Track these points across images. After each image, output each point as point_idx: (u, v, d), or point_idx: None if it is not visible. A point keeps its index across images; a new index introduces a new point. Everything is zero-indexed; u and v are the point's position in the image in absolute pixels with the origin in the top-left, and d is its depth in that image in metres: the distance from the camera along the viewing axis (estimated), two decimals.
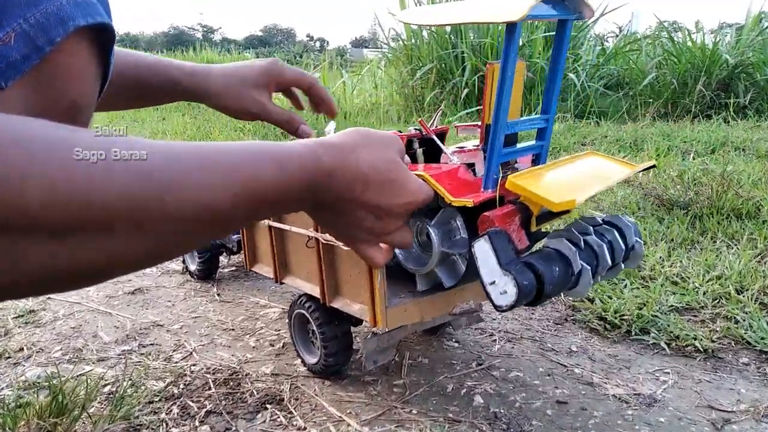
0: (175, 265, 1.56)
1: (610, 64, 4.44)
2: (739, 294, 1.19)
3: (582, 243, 0.68)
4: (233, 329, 1.18)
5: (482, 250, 0.64)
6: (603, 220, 0.76)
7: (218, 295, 1.36)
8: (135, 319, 1.24)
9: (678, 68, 3.88)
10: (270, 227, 0.99)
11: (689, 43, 4.19)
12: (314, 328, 0.94)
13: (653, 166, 0.79)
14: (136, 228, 0.34)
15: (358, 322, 0.93)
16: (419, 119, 0.87)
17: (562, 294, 0.73)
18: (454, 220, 0.77)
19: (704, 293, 1.20)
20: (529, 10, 0.62)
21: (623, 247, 0.73)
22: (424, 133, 0.88)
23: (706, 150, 2.56)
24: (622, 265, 0.75)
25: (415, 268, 0.81)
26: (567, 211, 0.76)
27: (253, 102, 0.74)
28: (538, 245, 0.77)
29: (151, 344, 1.13)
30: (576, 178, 0.73)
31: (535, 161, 0.81)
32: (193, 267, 1.44)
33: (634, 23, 7.29)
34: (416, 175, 0.71)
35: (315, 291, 0.92)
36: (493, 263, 0.63)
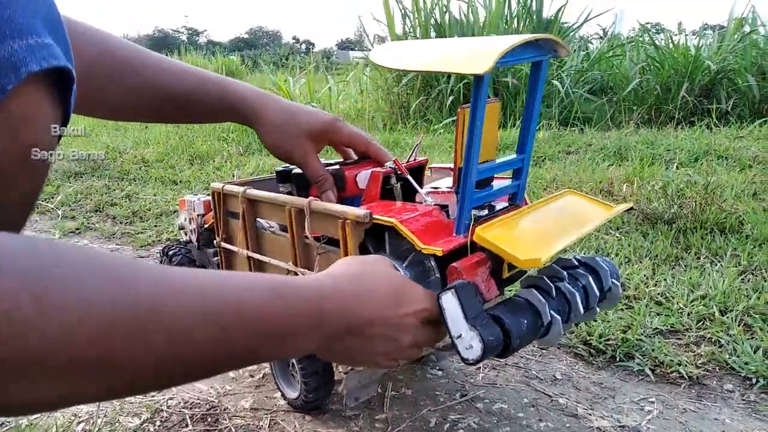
0: None
1: (594, 69, 4.46)
2: (723, 315, 1.18)
3: (554, 291, 0.67)
4: None
5: (449, 302, 0.63)
6: (579, 261, 0.74)
7: None
8: None
9: (661, 74, 3.90)
10: (249, 258, 0.97)
11: (671, 46, 4.22)
12: (294, 361, 0.92)
13: (631, 209, 0.78)
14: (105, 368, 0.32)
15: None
16: (394, 158, 0.86)
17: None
18: (428, 260, 0.76)
19: (688, 314, 1.19)
20: (494, 64, 0.61)
21: (597, 292, 0.72)
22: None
23: (690, 159, 2.57)
24: (598, 309, 0.74)
25: None
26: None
27: (300, 151, 0.78)
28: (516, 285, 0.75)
29: None
30: (548, 227, 0.72)
31: (512, 200, 0.80)
32: None
33: (617, 25, 7.34)
34: (385, 221, 0.70)
35: None
36: (459, 317, 0.62)
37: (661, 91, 3.83)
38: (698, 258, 1.49)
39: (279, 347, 0.41)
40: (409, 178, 0.82)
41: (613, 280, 0.74)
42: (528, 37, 0.67)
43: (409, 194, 0.88)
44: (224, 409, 0.97)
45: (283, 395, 0.98)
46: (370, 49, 5.24)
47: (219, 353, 0.37)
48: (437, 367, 1.08)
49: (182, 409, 0.98)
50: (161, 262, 1.45)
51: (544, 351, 1.13)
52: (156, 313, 0.33)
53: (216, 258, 1.34)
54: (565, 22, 4.79)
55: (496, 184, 0.80)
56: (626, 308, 1.24)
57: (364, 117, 4.23)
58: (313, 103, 4.22)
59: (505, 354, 0.65)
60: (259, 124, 0.76)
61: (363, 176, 0.96)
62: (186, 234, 1.47)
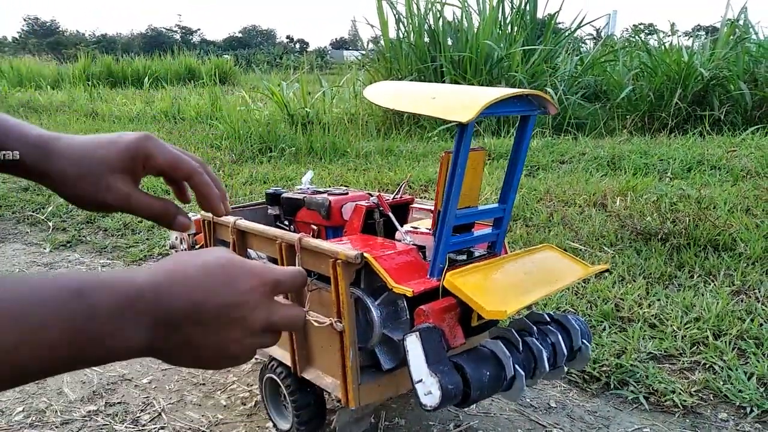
0: None
1: (588, 75, 4.47)
2: (716, 339, 1.18)
3: (520, 345, 0.67)
4: (204, 384, 1.15)
5: (413, 345, 0.63)
6: (551, 317, 0.74)
7: None
8: (102, 372, 1.20)
9: (655, 80, 3.91)
10: None
11: (664, 50, 4.23)
12: (285, 393, 0.91)
13: (607, 270, 0.78)
14: None
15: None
16: (378, 194, 0.86)
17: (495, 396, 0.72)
18: (401, 300, 0.75)
19: (682, 338, 1.19)
20: (478, 114, 0.61)
21: (566, 351, 0.71)
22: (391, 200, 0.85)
23: (683, 169, 2.57)
24: (565, 368, 0.74)
25: (360, 344, 0.79)
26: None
27: (113, 192, 0.56)
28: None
29: (119, 402, 1.09)
30: (519, 279, 0.72)
31: (491, 248, 0.79)
32: None
33: (611, 26, 7.36)
34: (362, 257, 0.69)
35: (286, 359, 0.89)
36: (421, 361, 0.62)
37: (655, 98, 3.84)
38: (692, 276, 1.49)
39: (99, 349, 0.40)
40: (391, 216, 0.82)
41: (584, 340, 0.74)
42: (515, 92, 0.67)
43: (391, 230, 0.87)
44: None
45: (275, 426, 0.97)
46: (364, 50, 5.23)
47: (26, 359, 0.36)
48: None
49: None
50: None
51: None
52: None
53: None
54: (561, 22, 4.80)
55: (478, 231, 0.80)
56: (620, 331, 1.23)
57: (358, 122, 4.22)
58: (307, 108, 4.20)
59: (464, 404, 0.65)
60: (49, 177, 0.55)
61: (349, 208, 0.95)
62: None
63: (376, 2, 4.48)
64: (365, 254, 0.71)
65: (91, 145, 0.56)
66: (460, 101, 0.65)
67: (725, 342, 1.16)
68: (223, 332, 0.44)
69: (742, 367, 1.08)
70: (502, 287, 0.69)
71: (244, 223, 0.90)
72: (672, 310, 1.30)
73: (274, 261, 0.90)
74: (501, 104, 0.67)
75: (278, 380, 0.92)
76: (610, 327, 1.25)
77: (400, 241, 0.80)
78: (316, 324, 0.76)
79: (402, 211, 0.96)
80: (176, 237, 1.45)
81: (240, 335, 0.45)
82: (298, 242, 0.78)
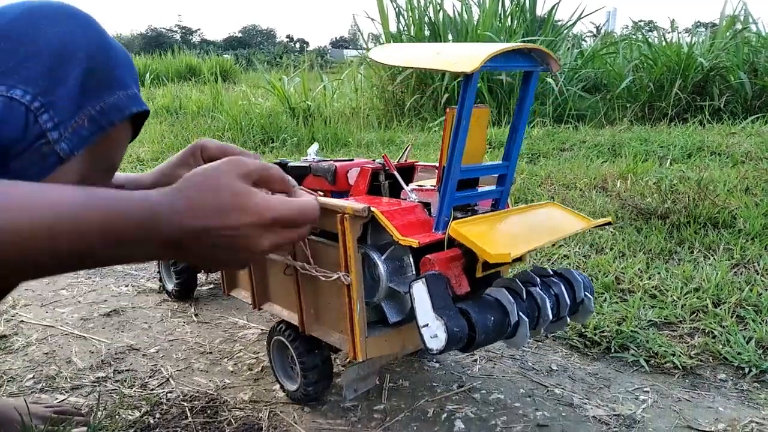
0: (152, 284, 1.53)
1: (588, 67, 4.49)
2: (716, 307, 1.20)
3: (524, 294, 0.69)
4: (211, 352, 1.16)
5: (419, 292, 0.65)
6: (554, 272, 0.76)
7: (196, 315, 1.34)
8: (110, 343, 1.22)
9: (654, 71, 3.93)
10: None
11: (664, 43, 4.25)
12: (293, 355, 0.93)
13: (609, 223, 0.80)
14: None
15: (339, 348, 0.92)
16: (383, 154, 0.87)
17: (500, 342, 0.73)
18: (407, 256, 0.77)
19: (682, 307, 1.21)
20: (482, 63, 0.63)
21: (568, 301, 0.73)
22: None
23: (683, 155, 2.59)
24: (569, 319, 0.75)
25: (366, 299, 0.80)
26: (519, 259, 0.76)
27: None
28: None
29: (127, 370, 1.11)
30: (523, 230, 0.74)
31: (495, 206, 0.81)
32: (170, 286, 1.42)
33: (610, 23, 7.37)
34: (369, 210, 0.71)
35: (293, 319, 0.91)
36: (427, 306, 0.64)
37: (654, 89, 3.86)
38: (692, 252, 1.50)
39: (116, 251, 0.48)
40: (396, 174, 0.83)
41: (586, 293, 0.76)
42: (518, 45, 0.69)
43: (396, 192, 0.89)
44: (223, 402, 0.98)
45: (282, 387, 0.99)
46: (364, 48, 5.25)
47: (46, 255, 0.44)
48: (434, 360, 1.09)
49: (181, 402, 0.98)
50: (159, 261, 1.45)
51: (539, 343, 1.14)
52: None
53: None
54: (559, 20, 4.82)
55: (481, 190, 0.81)
56: (621, 301, 1.25)
57: (359, 115, 4.24)
58: (308, 101, 4.22)
59: (468, 348, 0.66)
60: None
61: (354, 173, 0.97)
62: None
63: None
64: (372, 208, 0.72)
65: (163, 165, 0.80)
66: (465, 53, 0.67)
67: (724, 310, 1.18)
68: (232, 252, 0.51)
69: (741, 332, 1.10)
70: (506, 235, 0.71)
71: None
72: (672, 281, 1.32)
73: None
74: (504, 59, 0.69)
75: (286, 342, 0.93)
76: (610, 297, 1.27)
77: (405, 199, 0.82)
78: (323, 279, 0.78)
79: (407, 173, 0.98)
80: None
81: (249, 254, 0.51)
82: None
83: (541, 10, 4.63)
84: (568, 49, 4.64)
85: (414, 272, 0.78)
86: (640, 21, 4.78)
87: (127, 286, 1.54)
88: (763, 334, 1.08)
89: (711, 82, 3.82)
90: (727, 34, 4.10)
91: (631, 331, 1.12)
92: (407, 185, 0.86)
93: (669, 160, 2.49)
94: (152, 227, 0.47)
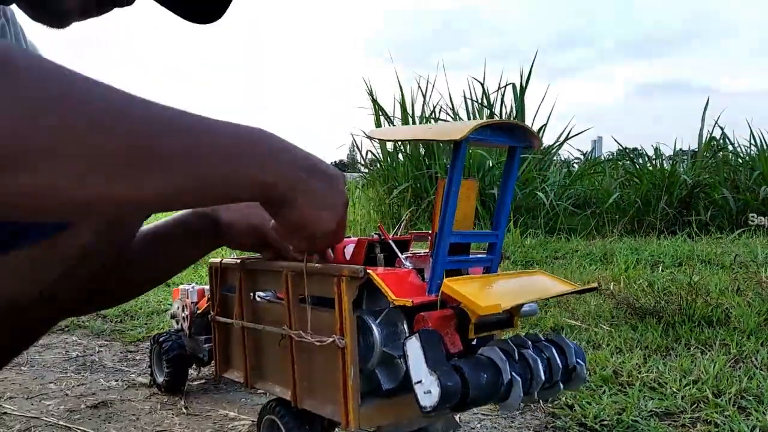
0: (143, 378, 1.50)
1: (576, 185, 4.67)
2: (717, 398, 1.18)
3: (516, 355, 0.69)
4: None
5: (413, 347, 0.65)
6: (545, 338, 0.77)
7: (186, 408, 1.30)
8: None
9: (641, 188, 4.09)
10: (243, 328, 0.98)
11: (649, 165, 4.47)
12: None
13: (595, 288, 0.82)
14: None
15: (331, 426, 0.90)
16: (379, 224, 0.91)
17: (493, 404, 0.72)
18: (401, 322, 0.78)
19: (682, 398, 1.19)
20: (469, 132, 0.69)
21: (561, 366, 0.73)
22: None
23: (674, 262, 2.64)
24: (562, 386, 0.75)
25: (360, 366, 0.80)
26: (509, 324, 0.77)
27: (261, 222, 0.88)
28: None
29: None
30: (513, 288, 0.76)
31: (486, 272, 0.84)
32: (160, 378, 1.39)
33: (597, 150, 7.76)
34: (365, 271, 0.73)
35: (286, 394, 0.89)
36: (421, 362, 0.64)
37: (642, 204, 4.00)
38: (688, 348, 1.50)
39: (242, 169, 0.56)
40: (391, 242, 0.86)
41: (578, 359, 0.76)
42: (503, 120, 0.76)
43: (391, 264, 0.92)
44: None
45: None
46: (363, 170, 5.48)
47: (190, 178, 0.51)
48: None
49: None
50: (151, 351, 1.44)
51: None
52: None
53: (207, 345, 1.35)
54: (547, 146, 5.08)
55: (473, 256, 0.85)
56: (620, 392, 1.23)
57: (357, 228, 4.34)
58: None
59: (461, 407, 0.66)
60: (220, 230, 0.98)
61: (350, 248, 1.00)
62: (177, 322, 1.47)
63: (374, 118, 4.80)
64: (368, 270, 0.75)
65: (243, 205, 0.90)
66: (453, 126, 0.73)
67: (725, 400, 1.16)
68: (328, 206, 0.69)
69: (744, 422, 1.07)
70: (497, 292, 0.73)
71: (251, 263, 0.95)
72: (670, 374, 1.30)
73: (278, 298, 0.94)
74: (490, 132, 0.75)
75: (276, 419, 0.91)
76: (609, 389, 1.25)
77: (400, 267, 0.84)
78: (318, 344, 0.79)
79: (402, 247, 1.01)
80: (177, 306, 1.48)
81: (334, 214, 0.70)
82: (304, 267, 0.82)
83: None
84: (557, 167, 4.86)
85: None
86: (626, 149, 5.04)
87: (117, 380, 1.51)
88: (767, 422, 1.05)
89: (696, 198, 3.97)
90: (706, 154, 4.34)
91: (632, 420, 1.10)
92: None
93: (660, 267, 2.53)
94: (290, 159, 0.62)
